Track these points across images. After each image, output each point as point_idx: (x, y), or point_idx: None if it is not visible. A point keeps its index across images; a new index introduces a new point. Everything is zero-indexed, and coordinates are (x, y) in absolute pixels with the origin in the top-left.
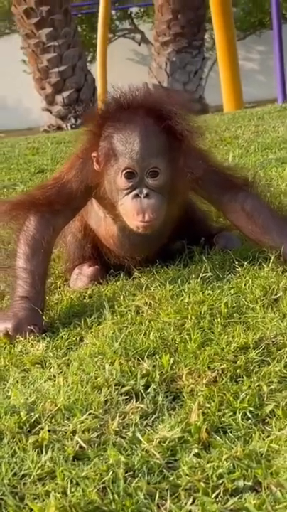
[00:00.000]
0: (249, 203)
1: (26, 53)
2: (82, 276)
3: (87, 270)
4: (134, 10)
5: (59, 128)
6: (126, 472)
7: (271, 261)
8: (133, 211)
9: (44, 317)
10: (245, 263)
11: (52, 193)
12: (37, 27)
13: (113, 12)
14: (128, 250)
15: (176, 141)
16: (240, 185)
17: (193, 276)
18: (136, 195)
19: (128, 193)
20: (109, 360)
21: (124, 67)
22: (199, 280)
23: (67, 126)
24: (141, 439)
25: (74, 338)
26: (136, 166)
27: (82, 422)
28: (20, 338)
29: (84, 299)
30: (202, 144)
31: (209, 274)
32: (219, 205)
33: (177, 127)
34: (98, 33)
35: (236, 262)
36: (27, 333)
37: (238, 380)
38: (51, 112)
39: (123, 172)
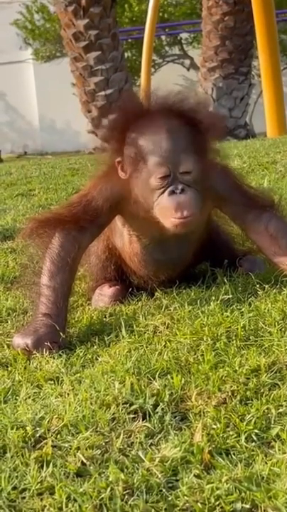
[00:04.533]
0: (273, 224)
1: (75, 76)
2: (103, 297)
3: (108, 291)
4: (184, 36)
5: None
6: (124, 490)
7: None
8: (171, 208)
9: (63, 335)
10: (266, 286)
11: (79, 211)
12: (85, 51)
13: (163, 38)
14: (152, 269)
15: (200, 138)
16: (265, 206)
17: (213, 298)
18: (172, 192)
19: (163, 192)
20: (120, 379)
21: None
22: (219, 302)
23: None
24: (143, 457)
25: (89, 356)
26: (168, 163)
27: (87, 439)
28: (37, 355)
29: (105, 317)
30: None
31: (230, 296)
32: (242, 224)
33: (198, 121)
34: (143, 54)
35: (258, 285)
36: (45, 350)
37: (247, 402)
38: (97, 135)
39: (157, 171)
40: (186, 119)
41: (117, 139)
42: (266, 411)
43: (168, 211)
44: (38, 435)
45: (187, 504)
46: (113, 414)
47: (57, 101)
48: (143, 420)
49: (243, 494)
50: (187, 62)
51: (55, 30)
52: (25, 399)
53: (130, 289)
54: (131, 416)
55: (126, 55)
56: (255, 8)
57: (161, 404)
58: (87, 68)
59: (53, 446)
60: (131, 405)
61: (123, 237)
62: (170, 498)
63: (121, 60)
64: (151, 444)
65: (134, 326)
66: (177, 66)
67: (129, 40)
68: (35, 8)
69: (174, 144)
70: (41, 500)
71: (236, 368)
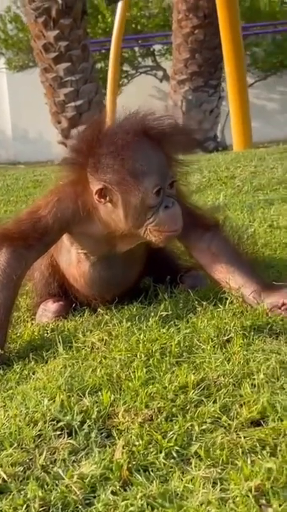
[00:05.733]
0: (215, 244)
1: (45, 87)
2: (46, 312)
3: (52, 306)
4: (157, 47)
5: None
6: (41, 507)
7: (228, 302)
8: (170, 221)
9: (2, 350)
10: (205, 303)
11: (27, 228)
12: (55, 62)
13: (136, 49)
14: (97, 289)
15: (170, 152)
16: (209, 225)
17: (153, 314)
18: (167, 207)
19: (158, 208)
20: (50, 395)
21: (146, 104)
22: (157, 318)
23: None
24: (62, 475)
25: (26, 372)
26: (162, 180)
27: (11, 456)
28: None
29: (46, 333)
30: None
31: (169, 312)
32: (186, 242)
33: (166, 136)
34: (109, 66)
35: (197, 302)
36: None
37: (173, 419)
38: (66, 146)
39: (154, 190)
40: (154, 135)
41: (83, 167)
42: (189, 428)
43: (165, 226)
44: None
45: None
46: (39, 430)
47: (30, 110)
48: (68, 437)
49: (155, 510)
50: (160, 73)
51: (28, 40)
52: None
53: (74, 305)
54: (57, 433)
55: (99, 65)
56: (221, 21)
57: (88, 421)
58: (57, 79)
59: None
60: (58, 422)
61: (70, 255)
62: None
63: (91, 71)
64: (74, 461)
65: (73, 342)
66: (150, 77)
67: (102, 51)
68: (8, 18)
69: (161, 161)
70: None
71: (166, 385)
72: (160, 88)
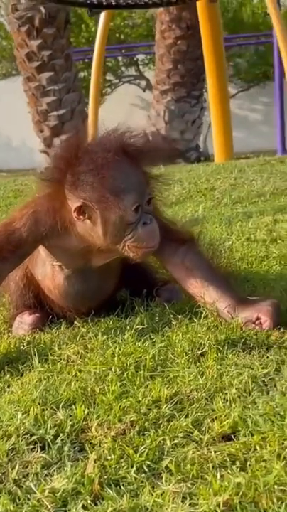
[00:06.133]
0: (189, 258)
1: (27, 96)
2: (23, 325)
3: (28, 318)
4: (140, 57)
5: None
6: None
7: (203, 316)
8: (148, 237)
9: None
10: (180, 316)
11: (1, 240)
12: (38, 71)
13: (119, 58)
14: (72, 301)
15: (145, 167)
16: (183, 239)
17: (129, 327)
18: (145, 223)
19: (136, 225)
20: (24, 409)
21: (129, 113)
22: (133, 332)
23: None
24: (34, 489)
25: (1, 385)
26: (140, 198)
27: None
28: None
29: (22, 345)
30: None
31: (145, 326)
32: (160, 256)
33: (142, 152)
34: (92, 75)
35: (172, 316)
36: None
37: (145, 433)
38: (48, 155)
39: (133, 207)
40: (132, 152)
41: (60, 183)
42: (161, 442)
43: (143, 242)
44: None
45: None
46: (13, 444)
47: (13, 118)
48: (41, 451)
49: None
50: (143, 83)
51: (12, 48)
52: None
53: (50, 317)
54: (31, 447)
55: (82, 75)
56: (203, 33)
57: (61, 434)
58: (40, 88)
59: None
60: (31, 436)
61: (45, 267)
62: None
63: (74, 80)
64: (46, 475)
65: (49, 355)
66: (134, 87)
67: (86, 61)
68: None
69: (139, 179)
70: None
71: (140, 399)
72: (143, 97)
